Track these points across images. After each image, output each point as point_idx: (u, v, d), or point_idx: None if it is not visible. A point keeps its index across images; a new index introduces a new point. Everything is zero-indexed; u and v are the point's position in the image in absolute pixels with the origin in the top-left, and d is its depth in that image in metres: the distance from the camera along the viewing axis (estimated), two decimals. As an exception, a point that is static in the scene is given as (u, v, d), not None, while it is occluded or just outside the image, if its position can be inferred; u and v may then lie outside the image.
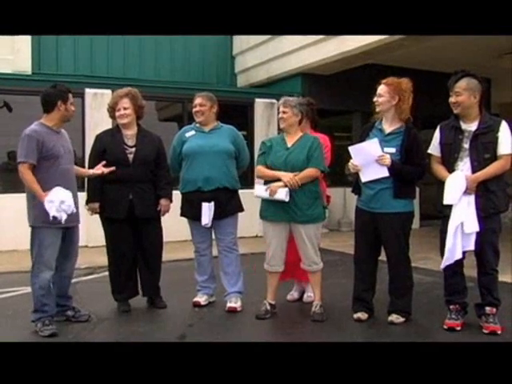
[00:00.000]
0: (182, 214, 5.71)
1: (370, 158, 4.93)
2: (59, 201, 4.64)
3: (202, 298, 5.71)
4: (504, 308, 4.97)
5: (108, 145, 5.49)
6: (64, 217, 4.69)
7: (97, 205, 5.49)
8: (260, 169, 5.34)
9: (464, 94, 4.73)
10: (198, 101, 5.65)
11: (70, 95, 5.03)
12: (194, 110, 5.68)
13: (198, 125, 5.71)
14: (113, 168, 5.25)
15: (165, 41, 12.94)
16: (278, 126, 10.49)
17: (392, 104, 4.99)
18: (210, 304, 5.75)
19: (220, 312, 5.52)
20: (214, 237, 5.75)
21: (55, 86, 5.02)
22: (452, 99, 4.79)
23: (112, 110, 5.57)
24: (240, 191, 5.76)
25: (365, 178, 5.04)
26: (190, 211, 5.60)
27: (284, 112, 5.27)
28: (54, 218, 4.65)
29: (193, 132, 5.69)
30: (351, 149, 5.09)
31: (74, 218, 4.99)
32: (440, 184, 4.82)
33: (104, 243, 5.64)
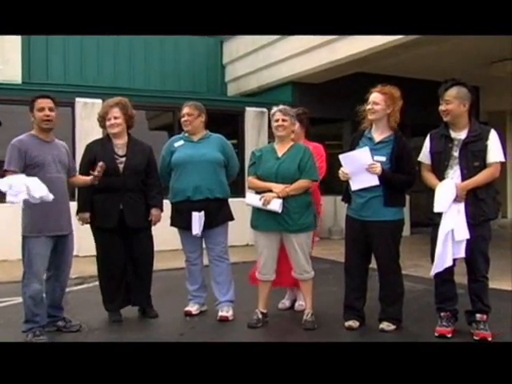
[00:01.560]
0: (172, 224, 5.70)
1: (361, 167, 4.94)
2: (7, 185, 4.51)
3: (193, 307, 5.70)
4: (494, 315, 4.97)
5: (98, 154, 5.47)
6: (21, 197, 4.48)
7: (87, 215, 5.47)
8: (251, 180, 5.34)
9: (454, 102, 4.76)
10: (185, 110, 5.65)
11: (38, 101, 4.97)
12: (182, 119, 5.68)
13: (186, 134, 5.71)
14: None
15: (155, 49, 12.99)
16: (269, 134, 10.51)
17: (386, 112, 5.02)
18: (202, 313, 5.74)
19: (211, 321, 5.51)
20: (204, 246, 5.75)
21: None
22: (442, 107, 4.82)
23: (102, 119, 5.56)
24: (231, 200, 5.75)
25: (355, 186, 5.05)
26: (180, 221, 5.60)
27: (284, 120, 5.25)
28: (11, 202, 4.52)
29: (181, 142, 5.69)
30: (342, 157, 5.10)
31: (64, 226, 4.99)
32: (430, 192, 4.84)
33: (95, 253, 5.62)
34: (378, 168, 4.90)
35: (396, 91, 5.06)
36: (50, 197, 4.62)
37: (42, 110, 4.95)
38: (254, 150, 5.59)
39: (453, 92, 4.78)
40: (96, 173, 5.13)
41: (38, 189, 4.57)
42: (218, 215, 5.58)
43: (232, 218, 5.74)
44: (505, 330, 4.95)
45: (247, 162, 5.63)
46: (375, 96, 5.06)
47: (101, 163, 5.15)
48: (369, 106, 5.07)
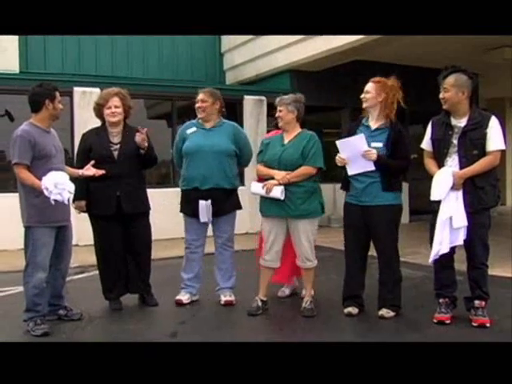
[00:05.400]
0: (182, 210, 5.74)
1: (357, 153, 4.98)
2: (53, 184, 4.58)
3: (184, 296, 5.69)
4: (492, 301, 5.00)
5: (93, 143, 5.49)
6: (66, 196, 4.64)
7: (83, 203, 5.47)
8: (257, 167, 5.42)
9: (451, 90, 4.76)
10: (200, 97, 5.64)
11: (57, 93, 4.98)
12: (196, 105, 5.66)
13: (200, 121, 5.70)
14: (102, 171, 5.21)
15: (153, 39, 12.90)
16: (267, 123, 10.48)
17: (378, 100, 5.05)
18: (202, 301, 5.76)
19: (211, 309, 5.54)
20: (212, 234, 5.77)
21: (41, 84, 4.97)
22: (440, 95, 4.83)
23: (100, 107, 5.53)
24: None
25: (351, 171, 5.09)
26: (189, 208, 5.62)
27: (280, 111, 5.32)
28: (56, 201, 4.59)
29: (194, 129, 5.68)
30: (338, 143, 5.15)
31: (67, 216, 5.00)
32: (431, 179, 4.85)
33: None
34: (374, 154, 4.94)
35: (391, 81, 5.08)
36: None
37: (60, 102, 4.99)
38: (263, 139, 5.64)
39: (451, 80, 4.78)
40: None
41: (67, 182, 4.66)
42: (226, 204, 5.61)
43: (240, 207, 5.77)
44: (501, 316, 4.98)
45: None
46: (367, 85, 5.14)
47: None
48: (361, 95, 5.16)
